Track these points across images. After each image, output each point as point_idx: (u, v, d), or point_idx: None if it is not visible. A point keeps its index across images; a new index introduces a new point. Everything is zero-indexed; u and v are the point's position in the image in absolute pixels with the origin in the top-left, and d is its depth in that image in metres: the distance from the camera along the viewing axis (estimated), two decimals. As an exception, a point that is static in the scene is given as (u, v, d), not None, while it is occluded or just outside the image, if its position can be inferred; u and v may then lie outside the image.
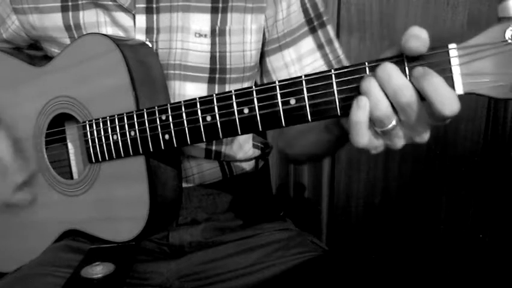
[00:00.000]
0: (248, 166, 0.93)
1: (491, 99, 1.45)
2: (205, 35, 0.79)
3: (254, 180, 0.95)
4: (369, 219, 1.63)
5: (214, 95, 0.60)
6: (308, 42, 0.84)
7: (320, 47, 0.84)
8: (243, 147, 0.92)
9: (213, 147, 0.87)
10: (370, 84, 0.50)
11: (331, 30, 0.85)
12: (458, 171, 1.56)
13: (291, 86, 0.55)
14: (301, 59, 0.83)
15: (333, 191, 1.62)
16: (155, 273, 0.80)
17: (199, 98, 0.62)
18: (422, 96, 0.49)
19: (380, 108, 0.50)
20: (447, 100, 0.47)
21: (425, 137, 0.52)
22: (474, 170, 1.56)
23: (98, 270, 0.70)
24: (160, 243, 0.84)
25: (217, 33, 0.79)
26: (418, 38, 0.47)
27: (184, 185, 0.83)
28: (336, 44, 0.85)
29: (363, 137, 0.52)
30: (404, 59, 0.49)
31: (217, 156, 0.87)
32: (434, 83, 0.47)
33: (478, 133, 1.53)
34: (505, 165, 1.51)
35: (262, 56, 0.85)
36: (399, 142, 0.53)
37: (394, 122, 0.51)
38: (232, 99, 0.59)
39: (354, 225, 1.64)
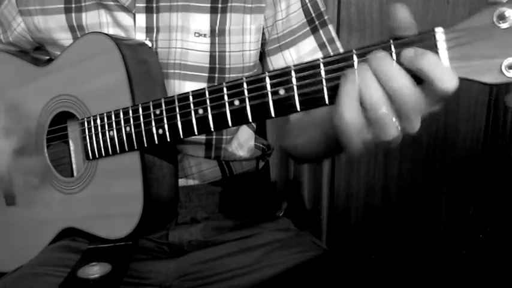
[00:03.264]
0: (248, 166, 0.93)
1: (491, 96, 1.46)
2: (205, 35, 0.79)
3: (254, 180, 0.95)
4: (369, 219, 1.63)
5: (206, 88, 0.61)
6: (309, 42, 0.83)
7: (322, 46, 0.84)
8: (243, 147, 0.92)
9: (213, 147, 0.87)
10: (361, 68, 0.49)
11: (332, 29, 0.85)
12: (458, 171, 1.56)
13: (280, 76, 0.55)
14: (303, 59, 0.83)
15: (333, 191, 1.62)
16: (154, 273, 0.80)
17: (192, 91, 0.62)
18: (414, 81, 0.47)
19: (370, 93, 0.48)
20: (446, 75, 0.45)
21: (416, 126, 0.50)
22: (474, 170, 1.56)
23: (94, 270, 0.70)
24: (159, 242, 0.85)
25: (216, 33, 0.79)
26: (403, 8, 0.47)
27: (183, 183, 0.83)
28: (338, 43, 0.85)
29: (349, 110, 0.49)
30: (391, 44, 0.48)
31: (217, 156, 0.87)
32: (431, 61, 0.45)
33: (478, 133, 1.53)
34: (505, 165, 1.50)
35: (264, 55, 0.86)
36: (390, 131, 0.50)
37: (384, 109, 0.49)
38: (223, 91, 0.59)
39: (354, 225, 1.64)
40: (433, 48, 0.46)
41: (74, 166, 0.87)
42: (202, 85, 0.81)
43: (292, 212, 0.99)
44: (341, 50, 0.85)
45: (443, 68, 0.45)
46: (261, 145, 0.97)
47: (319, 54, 0.83)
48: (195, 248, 0.83)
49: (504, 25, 0.44)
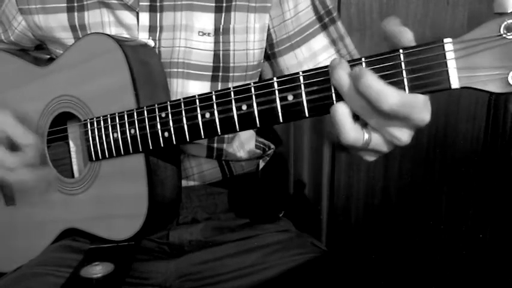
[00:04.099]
0: (249, 166, 0.93)
1: (491, 96, 1.46)
2: (209, 34, 0.79)
3: (254, 180, 0.95)
4: (369, 219, 1.63)
5: (213, 92, 0.61)
6: (320, 39, 0.83)
7: (333, 42, 0.84)
8: (245, 147, 0.92)
9: (215, 146, 0.87)
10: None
11: (341, 26, 0.85)
12: (458, 171, 1.56)
13: (289, 82, 0.55)
14: (316, 56, 0.83)
15: (333, 191, 1.62)
16: (155, 273, 0.80)
17: (199, 95, 0.62)
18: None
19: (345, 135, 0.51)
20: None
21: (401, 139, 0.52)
22: (474, 170, 1.56)
23: (97, 270, 0.70)
24: (160, 242, 0.85)
25: (221, 32, 0.79)
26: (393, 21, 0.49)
27: (184, 184, 0.83)
28: (348, 40, 0.85)
29: (348, 133, 0.51)
30: (401, 54, 0.49)
31: (219, 156, 0.88)
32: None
33: (478, 133, 1.53)
34: (505, 165, 1.50)
35: (274, 56, 0.86)
36: (383, 148, 0.53)
37: (366, 138, 0.52)
38: (231, 95, 0.59)
39: (354, 225, 1.64)
40: (442, 58, 0.48)
41: (75, 167, 0.86)
42: (205, 84, 0.81)
43: (292, 212, 0.99)
44: (351, 46, 0.86)
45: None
46: (261, 145, 0.97)
47: (331, 51, 0.84)
48: (195, 248, 0.83)
49: (511, 36, 0.45)
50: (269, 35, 0.83)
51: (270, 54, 0.86)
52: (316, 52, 0.83)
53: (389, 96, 0.47)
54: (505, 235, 1.53)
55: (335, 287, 0.71)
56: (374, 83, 0.47)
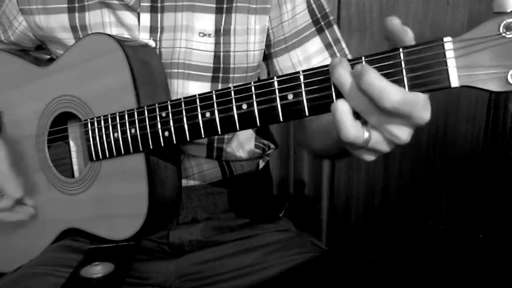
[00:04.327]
0: (248, 166, 0.93)
1: (491, 96, 1.46)
2: (210, 35, 0.79)
3: (254, 180, 0.95)
4: (369, 219, 1.63)
5: (213, 91, 0.61)
6: (315, 43, 0.84)
7: (328, 46, 0.84)
8: (244, 147, 0.92)
9: (215, 146, 0.87)
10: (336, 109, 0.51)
11: (337, 30, 0.85)
12: (458, 171, 1.57)
13: (289, 81, 0.55)
14: (310, 59, 0.83)
15: (333, 191, 1.62)
16: (155, 273, 0.80)
17: (199, 94, 0.62)
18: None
19: (346, 133, 0.51)
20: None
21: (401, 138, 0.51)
22: (474, 170, 1.56)
23: (97, 270, 0.70)
24: (160, 242, 0.85)
25: (221, 33, 0.79)
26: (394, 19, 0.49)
27: (184, 184, 0.83)
28: (343, 44, 0.86)
29: (350, 129, 0.51)
30: (401, 53, 0.49)
31: (219, 156, 0.88)
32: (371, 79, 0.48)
33: (478, 133, 1.54)
34: (505, 165, 1.51)
35: (270, 57, 0.86)
36: (383, 147, 0.53)
37: (366, 136, 0.51)
38: (231, 95, 0.59)
39: (354, 225, 1.64)
40: (442, 56, 0.48)
41: (75, 167, 0.87)
42: (206, 85, 0.81)
43: (292, 212, 0.99)
44: (346, 50, 0.86)
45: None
46: (261, 145, 0.97)
47: (325, 54, 0.84)
48: (195, 248, 0.83)
49: (511, 35, 0.45)
50: (267, 36, 0.83)
51: (267, 55, 0.86)
52: (311, 55, 0.83)
53: (392, 93, 0.47)
54: (505, 235, 1.53)
55: (335, 286, 0.71)
56: (376, 81, 0.47)
